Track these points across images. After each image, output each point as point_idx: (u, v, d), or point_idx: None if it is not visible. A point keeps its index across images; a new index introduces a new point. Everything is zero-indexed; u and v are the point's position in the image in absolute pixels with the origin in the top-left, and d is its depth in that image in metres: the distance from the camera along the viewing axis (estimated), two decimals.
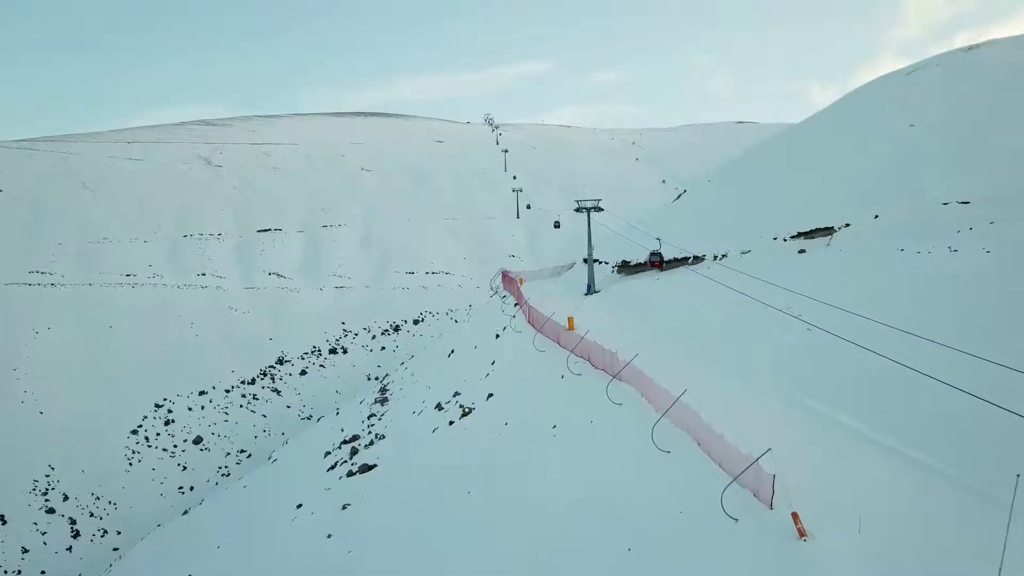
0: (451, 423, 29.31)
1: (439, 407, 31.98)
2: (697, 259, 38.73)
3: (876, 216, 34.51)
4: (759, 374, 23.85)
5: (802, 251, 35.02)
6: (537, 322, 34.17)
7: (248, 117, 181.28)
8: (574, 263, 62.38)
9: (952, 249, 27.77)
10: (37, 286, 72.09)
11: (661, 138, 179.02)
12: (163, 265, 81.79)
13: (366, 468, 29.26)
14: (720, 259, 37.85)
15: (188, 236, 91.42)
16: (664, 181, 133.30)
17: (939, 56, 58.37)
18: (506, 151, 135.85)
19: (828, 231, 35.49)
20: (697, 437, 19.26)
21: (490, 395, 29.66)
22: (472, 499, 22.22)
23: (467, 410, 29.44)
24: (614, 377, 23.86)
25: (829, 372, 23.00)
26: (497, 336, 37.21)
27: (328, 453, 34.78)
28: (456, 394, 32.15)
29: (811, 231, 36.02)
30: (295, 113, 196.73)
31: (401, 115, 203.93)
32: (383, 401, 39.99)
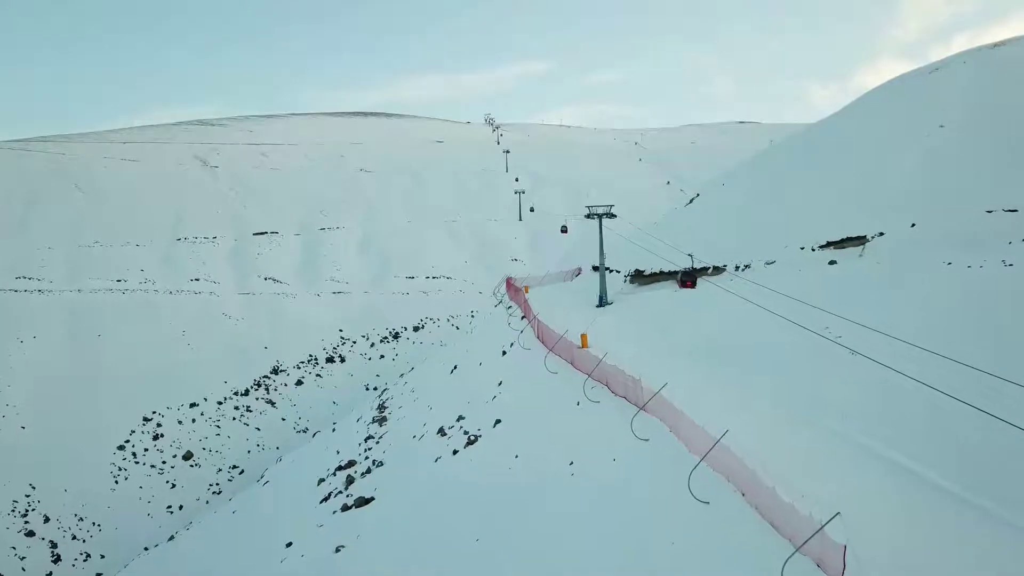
0: (455, 452, 26.82)
1: (442, 432, 29.49)
2: (717, 270, 36.23)
3: (913, 224, 32.04)
4: (801, 406, 21.30)
5: (833, 262, 32.54)
6: (548, 339, 31.67)
7: (246, 117, 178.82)
8: (580, 268, 59.87)
9: (1007, 263, 25.27)
10: (24, 292, 69.64)
11: (663, 138, 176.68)
12: (155, 270, 79.35)
13: (363, 502, 26.77)
14: (742, 270, 35.35)
15: (182, 240, 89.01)
16: (669, 182, 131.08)
17: (964, 53, 55.92)
18: (507, 152, 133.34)
19: (860, 240, 33.00)
20: (740, 486, 16.78)
21: (498, 421, 27.18)
22: (481, 548, 19.74)
23: (473, 438, 26.95)
24: (641, 409, 21.33)
25: (881, 406, 20.48)
26: (504, 353, 34.72)
27: (322, 480, 32.26)
28: (460, 418, 29.65)
29: (841, 240, 33.53)
30: (293, 113, 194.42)
31: (401, 115, 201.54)
32: (381, 421, 37.49)
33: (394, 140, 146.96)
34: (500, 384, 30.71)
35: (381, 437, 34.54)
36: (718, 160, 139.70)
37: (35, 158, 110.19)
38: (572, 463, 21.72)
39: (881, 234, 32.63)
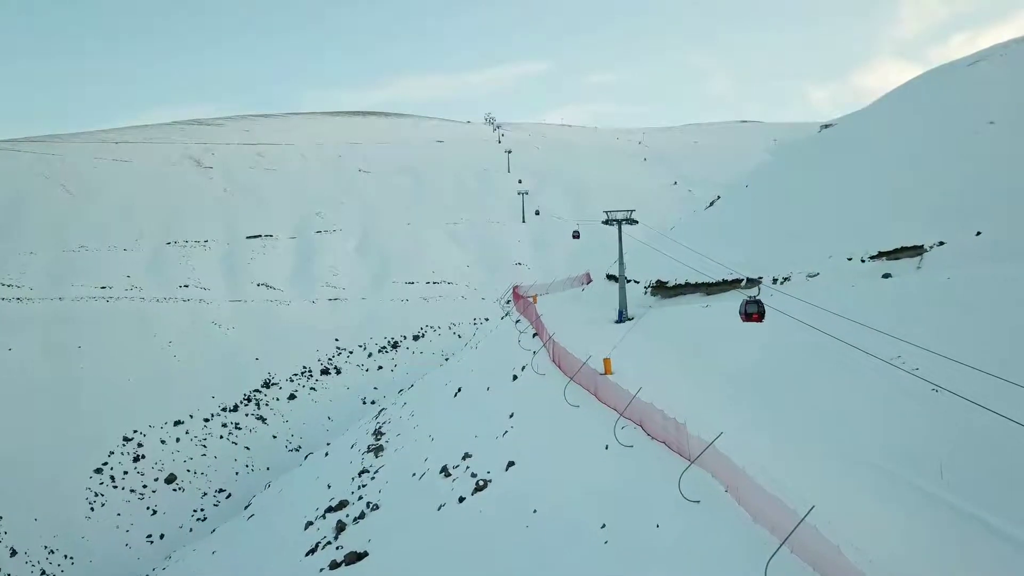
0: (461, 499, 23.13)
1: (445, 472, 25.79)
2: (751, 282, 32.57)
3: (978, 233, 28.31)
4: (877, 457, 17.63)
5: (887, 275, 28.82)
6: (566, 364, 27.98)
7: (243, 116, 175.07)
8: (588, 274, 56.28)
9: None
10: (1, 300, 65.90)
11: (665, 137, 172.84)
12: (142, 276, 75.59)
13: (355, 557, 23.12)
14: (781, 283, 31.66)
15: (172, 244, 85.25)
16: (675, 183, 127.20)
17: (1000, 46, 52.31)
18: (509, 151, 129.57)
19: (917, 251, 29.30)
20: None
21: (510, 464, 23.47)
22: None
23: (481, 483, 23.25)
24: (692, 463, 17.62)
25: (975, 459, 16.83)
26: (515, 377, 30.97)
27: (310, 523, 28.56)
28: (466, 456, 25.96)
29: (895, 250, 29.81)
30: (291, 112, 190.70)
31: (400, 114, 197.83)
32: (377, 451, 33.76)
33: (393, 140, 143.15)
34: (512, 416, 27.00)
35: (377, 472, 30.81)
36: (723, 160, 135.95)
37: (23, 158, 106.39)
38: (604, 526, 18.03)
39: (941, 243, 28.91)
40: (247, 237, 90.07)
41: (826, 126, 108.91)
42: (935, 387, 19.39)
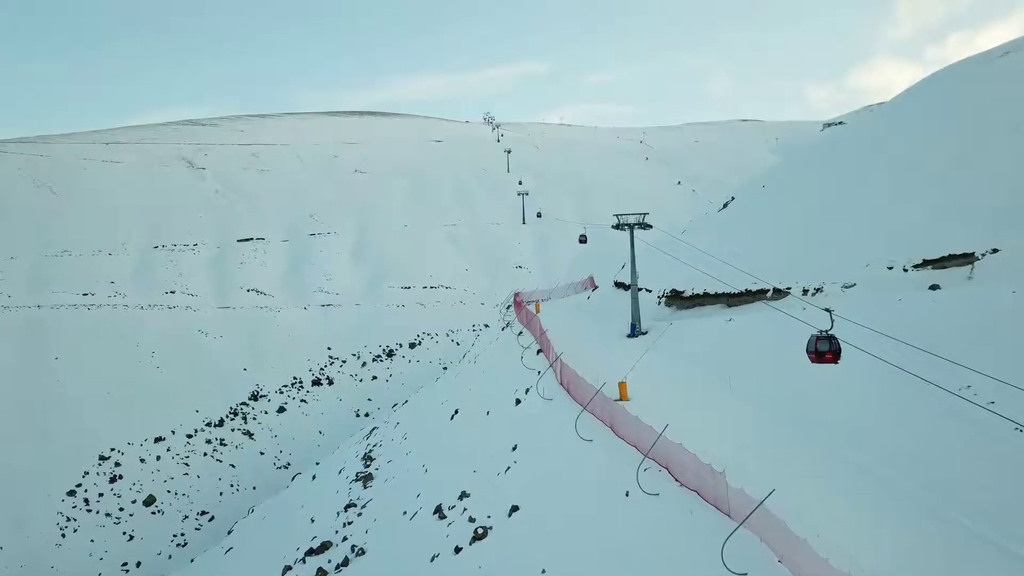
0: (457, 550, 20.07)
1: (440, 514, 22.70)
2: (778, 292, 29.49)
3: None
4: (978, 524, 14.48)
5: (934, 287, 25.74)
6: (575, 389, 24.88)
7: (238, 117, 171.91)
8: (591, 278, 53.30)
9: None
10: None
11: (667, 137, 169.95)
12: (127, 282, 72.43)
13: None
14: (812, 294, 28.56)
15: (159, 247, 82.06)
16: (680, 183, 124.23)
17: None
18: (509, 151, 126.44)
19: (967, 259, 26.20)
20: None
21: (514, 509, 20.39)
22: None
23: (481, 531, 20.18)
24: (740, 525, 14.52)
25: None
26: (517, 402, 27.86)
27: (288, 568, 25.45)
28: (463, 495, 22.86)
29: (942, 258, 26.72)
30: (287, 112, 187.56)
31: (397, 114, 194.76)
32: (366, 480, 30.66)
33: (391, 140, 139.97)
34: (515, 449, 23.89)
35: (364, 506, 27.70)
36: (726, 159, 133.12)
37: (9, 159, 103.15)
38: None
39: (995, 250, 25.83)
40: (238, 240, 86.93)
41: (829, 124, 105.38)
42: (1019, 426, 16.39)
